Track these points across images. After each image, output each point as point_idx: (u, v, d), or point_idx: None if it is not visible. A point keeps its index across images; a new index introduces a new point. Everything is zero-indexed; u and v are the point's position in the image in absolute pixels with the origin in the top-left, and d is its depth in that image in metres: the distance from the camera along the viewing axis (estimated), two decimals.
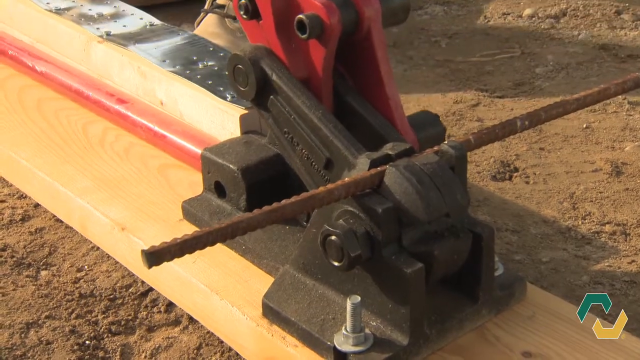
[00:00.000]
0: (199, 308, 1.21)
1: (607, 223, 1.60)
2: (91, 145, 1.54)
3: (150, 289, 1.41)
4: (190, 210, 1.30)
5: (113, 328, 1.35)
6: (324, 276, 1.07)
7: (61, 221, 1.56)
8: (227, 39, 2.14)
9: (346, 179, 0.99)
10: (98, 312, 1.38)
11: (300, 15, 1.08)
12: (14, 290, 1.44)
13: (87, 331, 1.34)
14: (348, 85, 1.17)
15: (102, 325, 1.35)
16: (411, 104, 2.06)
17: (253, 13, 1.16)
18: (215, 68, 1.55)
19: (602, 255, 1.51)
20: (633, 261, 1.50)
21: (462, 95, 2.12)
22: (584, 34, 2.47)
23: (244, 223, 0.91)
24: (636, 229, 1.58)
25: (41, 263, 1.51)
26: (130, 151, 1.52)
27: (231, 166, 1.25)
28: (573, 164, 1.80)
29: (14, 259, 1.52)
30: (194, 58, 1.60)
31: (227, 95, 1.44)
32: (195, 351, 1.30)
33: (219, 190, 1.28)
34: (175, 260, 1.22)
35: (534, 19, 2.58)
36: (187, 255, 1.23)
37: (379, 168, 1.01)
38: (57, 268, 1.49)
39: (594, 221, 1.61)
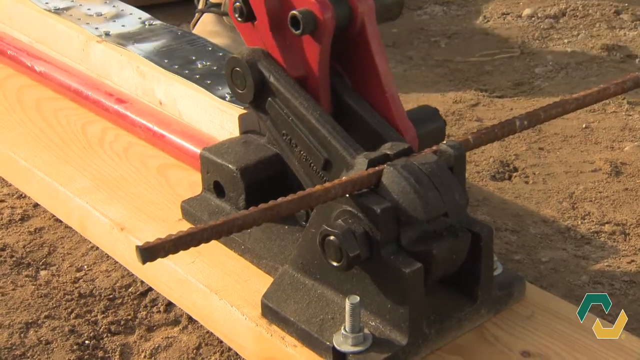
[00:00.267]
0: (198, 308, 1.21)
1: (607, 223, 1.60)
2: (90, 145, 1.54)
3: (150, 289, 1.41)
4: (189, 210, 1.30)
5: (112, 328, 1.35)
6: (322, 276, 1.07)
7: (60, 221, 1.56)
8: (227, 35, 2.15)
9: (343, 177, 0.99)
10: (97, 312, 1.38)
11: (294, 11, 1.09)
12: (13, 290, 1.44)
13: (86, 331, 1.34)
14: (346, 85, 1.17)
15: (102, 325, 1.35)
16: (410, 104, 2.06)
17: (248, 15, 1.16)
18: (214, 68, 1.55)
19: (601, 255, 1.51)
20: (632, 261, 1.49)
21: (462, 95, 2.12)
22: (584, 34, 2.47)
23: (240, 220, 0.91)
24: (635, 228, 1.58)
25: (40, 263, 1.51)
26: (129, 151, 1.52)
27: (230, 166, 1.25)
28: (572, 163, 1.80)
29: (14, 258, 1.52)
30: (193, 58, 1.60)
31: (226, 95, 1.44)
32: (194, 351, 1.30)
33: (218, 190, 1.28)
34: (174, 259, 1.23)
35: (533, 19, 2.58)
36: (185, 255, 1.23)
37: (376, 168, 1.01)
38: (57, 268, 1.49)
39: (593, 221, 1.61)
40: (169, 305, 1.38)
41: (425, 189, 0.98)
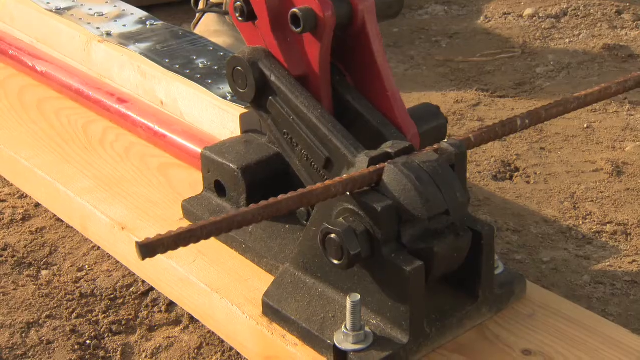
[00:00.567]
0: (199, 307, 1.21)
1: (608, 223, 1.60)
2: (91, 145, 1.54)
3: (151, 289, 1.41)
4: (190, 209, 1.30)
5: (114, 328, 1.35)
6: (323, 275, 1.07)
7: (62, 221, 1.56)
8: (230, 35, 2.15)
9: (344, 175, 0.99)
10: (99, 312, 1.38)
11: (294, 9, 1.09)
12: (14, 290, 1.44)
13: (87, 331, 1.34)
14: (347, 84, 1.17)
15: (103, 325, 1.35)
16: (412, 103, 2.03)
17: (249, 14, 1.16)
18: (215, 67, 1.55)
19: (603, 255, 1.51)
20: (634, 261, 1.49)
21: (463, 95, 2.11)
22: (585, 33, 2.47)
23: (240, 217, 0.91)
24: (637, 228, 1.58)
25: (42, 263, 1.51)
26: (130, 151, 1.52)
27: (231, 165, 1.25)
28: (574, 163, 1.80)
29: (15, 258, 1.52)
30: (194, 57, 1.60)
31: (227, 95, 1.44)
32: (195, 351, 1.30)
33: (219, 189, 1.28)
34: (176, 259, 1.23)
35: (534, 18, 2.58)
36: (186, 254, 1.23)
37: (377, 166, 1.01)
38: (58, 268, 1.49)
39: (594, 221, 1.60)
40: (170, 305, 1.38)
41: (426, 187, 0.98)
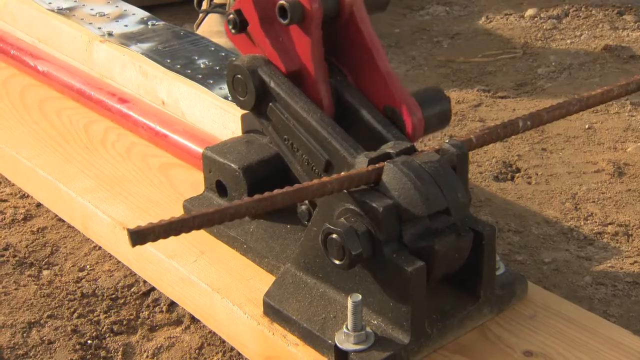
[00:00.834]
0: (200, 307, 1.21)
1: (610, 224, 1.60)
2: (93, 145, 1.54)
3: (152, 289, 1.41)
4: (191, 209, 1.30)
5: (115, 328, 1.35)
6: (325, 275, 1.07)
7: (63, 221, 1.57)
8: None
9: (342, 173, 0.99)
10: (100, 312, 1.38)
11: (282, 1, 1.11)
12: (16, 289, 1.44)
13: (89, 331, 1.34)
14: (348, 84, 1.17)
15: (104, 325, 1.35)
16: None
17: (241, 24, 1.17)
18: (217, 67, 1.56)
19: (604, 256, 1.51)
20: (635, 262, 1.49)
21: (464, 96, 2.12)
22: (586, 34, 2.47)
23: (232, 210, 0.91)
24: (639, 229, 1.58)
25: (43, 262, 1.51)
26: (131, 150, 1.52)
27: (233, 165, 1.25)
28: (575, 164, 1.80)
29: (16, 258, 1.52)
30: (195, 57, 1.60)
31: (229, 95, 1.44)
32: (197, 351, 1.30)
33: (221, 189, 1.29)
34: (177, 259, 1.23)
35: (536, 19, 2.58)
36: (188, 254, 1.24)
37: (377, 165, 1.01)
38: (59, 267, 1.49)
39: (596, 222, 1.60)
40: (172, 305, 1.38)
41: (425, 185, 0.98)
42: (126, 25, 1.75)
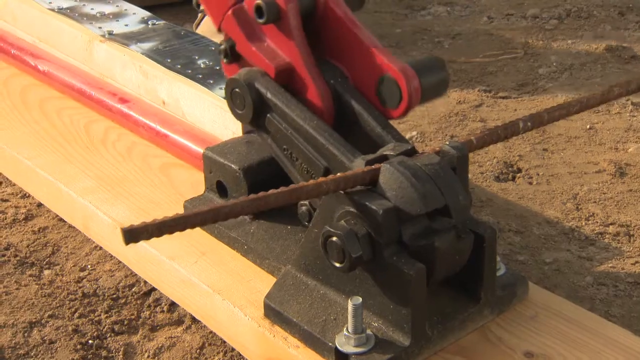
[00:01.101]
0: (200, 308, 1.21)
1: (611, 224, 1.60)
2: (93, 145, 1.54)
3: (153, 289, 1.41)
4: (192, 209, 1.30)
5: (116, 327, 1.35)
6: (325, 277, 1.07)
7: (64, 220, 1.57)
8: None
9: (338, 174, 0.99)
10: (101, 312, 1.38)
11: (258, 1, 1.13)
12: (17, 289, 1.44)
13: (90, 330, 1.34)
14: (348, 85, 1.17)
15: (105, 325, 1.35)
16: None
17: (232, 54, 1.20)
18: (217, 67, 1.56)
19: (605, 257, 1.51)
20: (637, 262, 1.49)
21: (465, 96, 2.11)
22: (588, 34, 2.47)
23: (227, 209, 0.90)
24: None
25: (44, 262, 1.51)
26: (132, 150, 1.52)
27: (233, 166, 1.25)
28: (576, 164, 1.80)
29: (17, 258, 1.52)
30: (196, 57, 1.60)
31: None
32: (198, 351, 1.30)
33: (221, 189, 1.28)
34: (178, 260, 1.23)
35: (537, 19, 2.58)
36: (189, 255, 1.23)
37: (373, 166, 1.01)
38: (60, 267, 1.49)
39: (597, 222, 1.60)
40: (173, 305, 1.38)
41: (422, 183, 0.98)
42: (127, 25, 1.75)
